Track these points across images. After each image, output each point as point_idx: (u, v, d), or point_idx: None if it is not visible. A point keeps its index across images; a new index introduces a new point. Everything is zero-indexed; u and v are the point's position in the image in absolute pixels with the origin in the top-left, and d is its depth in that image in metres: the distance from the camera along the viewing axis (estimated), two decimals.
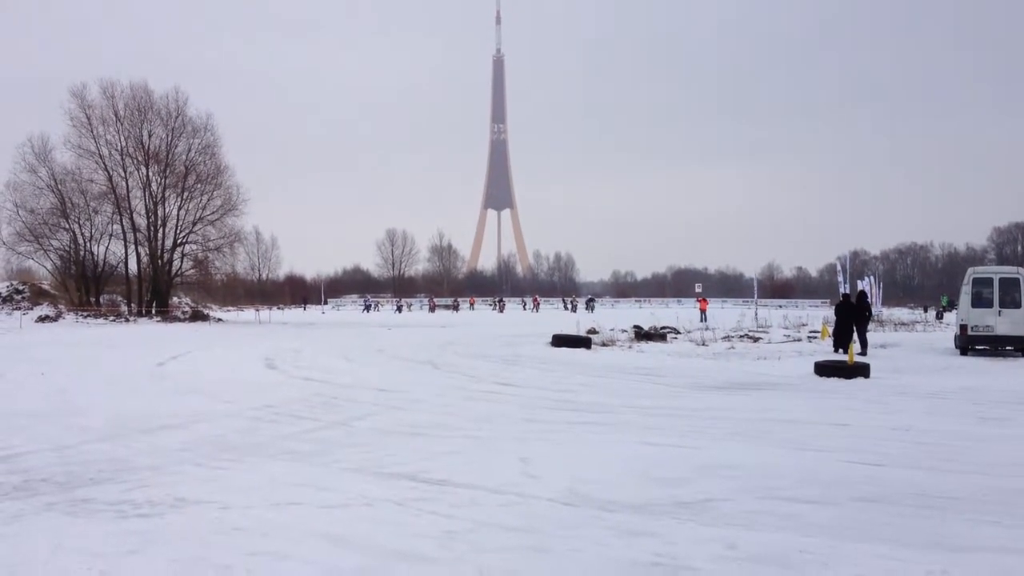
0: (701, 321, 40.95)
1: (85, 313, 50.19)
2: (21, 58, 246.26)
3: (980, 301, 21.82)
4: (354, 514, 6.28)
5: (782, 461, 8.26)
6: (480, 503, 6.58)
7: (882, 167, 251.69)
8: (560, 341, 24.76)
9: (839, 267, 38.45)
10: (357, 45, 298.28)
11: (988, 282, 21.95)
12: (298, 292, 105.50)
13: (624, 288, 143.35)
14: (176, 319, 51.53)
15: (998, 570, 5.00)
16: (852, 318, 22.48)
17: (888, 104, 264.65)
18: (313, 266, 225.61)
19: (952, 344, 24.02)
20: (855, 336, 22.11)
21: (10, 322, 44.03)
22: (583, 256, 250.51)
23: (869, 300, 27.93)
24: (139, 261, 55.93)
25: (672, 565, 5.08)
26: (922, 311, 64.03)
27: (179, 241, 56.01)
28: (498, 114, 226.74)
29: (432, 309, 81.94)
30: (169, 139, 55.67)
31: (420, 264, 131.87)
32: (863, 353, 21.43)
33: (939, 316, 53.26)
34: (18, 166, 52.58)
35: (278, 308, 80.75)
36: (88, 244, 54.93)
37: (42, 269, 57.38)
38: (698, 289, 67.09)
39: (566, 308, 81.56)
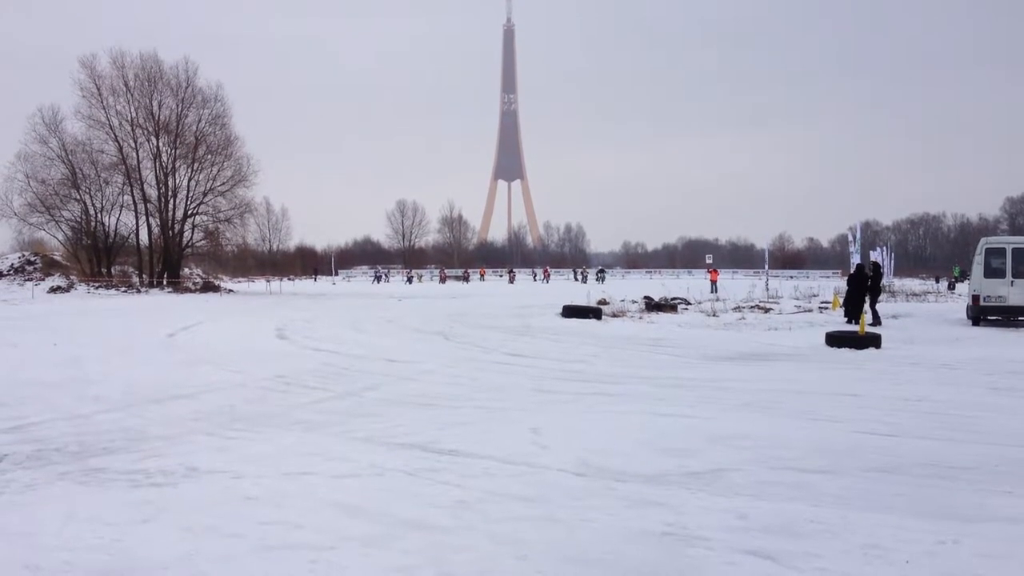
0: (712, 292, 40.84)
1: (97, 284, 50.43)
2: (29, 27, 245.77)
3: (992, 271, 21.65)
4: (365, 484, 6.30)
5: (793, 431, 8.24)
6: (491, 473, 6.60)
7: (894, 137, 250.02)
8: (570, 312, 24.73)
9: (851, 237, 38.26)
10: (365, 13, 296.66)
11: (1001, 252, 21.77)
12: (309, 263, 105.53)
13: (634, 259, 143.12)
14: (187, 290, 51.74)
15: (1009, 540, 4.98)
16: (865, 289, 22.37)
17: (900, 73, 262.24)
18: (323, 237, 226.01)
19: (964, 315, 23.90)
20: (867, 307, 22.00)
21: (22, 293, 44.29)
22: (593, 227, 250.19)
23: (881, 270, 27.79)
24: (150, 232, 56.11)
25: (683, 535, 5.08)
26: (934, 281, 63.74)
27: (190, 212, 56.07)
28: (508, 84, 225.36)
29: (443, 280, 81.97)
30: (179, 110, 55.56)
31: (430, 235, 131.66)
32: (875, 324, 21.34)
33: (951, 287, 53.01)
34: (29, 137, 52.63)
35: (289, 279, 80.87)
36: (99, 215, 55.11)
37: (53, 240, 57.60)
38: (708, 260, 66.84)
39: (576, 279, 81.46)
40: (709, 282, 49.14)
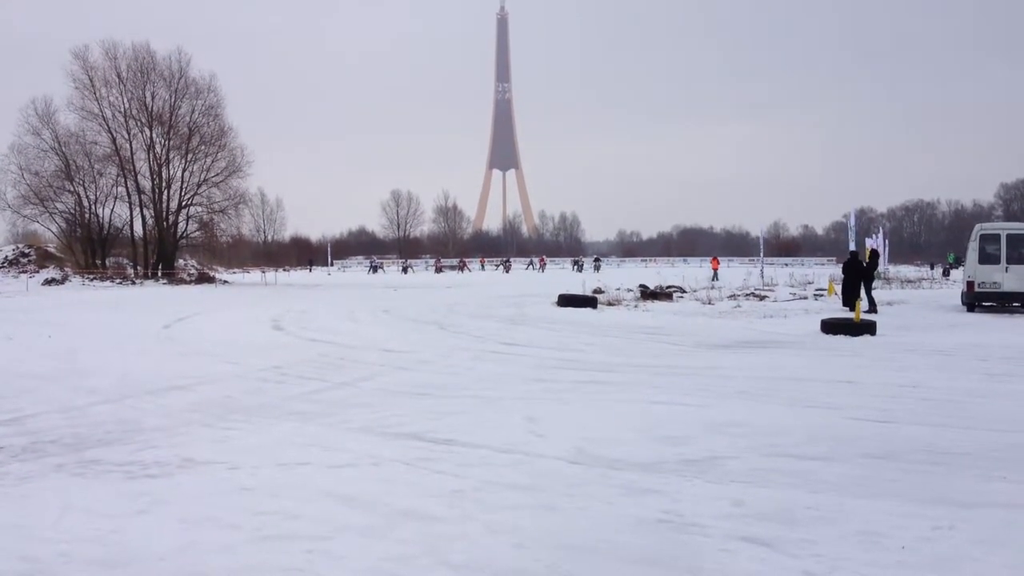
0: (715, 280, 40.86)
1: (91, 276, 50.34)
2: (23, 17, 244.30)
3: (987, 257, 21.69)
4: (362, 474, 6.30)
5: (789, 418, 8.25)
6: (487, 462, 6.60)
7: (889, 124, 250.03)
8: (566, 301, 24.70)
9: (850, 224, 38.28)
10: (357, 2, 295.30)
11: (995, 238, 21.81)
12: (304, 254, 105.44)
13: (630, 248, 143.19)
14: (182, 281, 51.65)
15: (1005, 525, 5.00)
16: (860, 275, 22.41)
17: (894, 60, 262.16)
18: (318, 228, 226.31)
19: (959, 301, 23.95)
20: (862, 293, 22.03)
21: (16, 285, 44.17)
22: (588, 216, 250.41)
23: (878, 257, 27.86)
24: (144, 223, 56.02)
25: (679, 522, 5.08)
26: (929, 268, 63.85)
27: (184, 203, 55.95)
28: (502, 73, 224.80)
29: (438, 270, 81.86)
30: (172, 100, 55.47)
31: (425, 225, 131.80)
32: (872, 311, 21.40)
33: (946, 273, 53.12)
34: (22, 128, 52.53)
35: (284, 270, 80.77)
36: (93, 207, 55.02)
37: (48, 232, 57.59)
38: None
39: (573, 268, 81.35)
40: (711, 270, 49.19)
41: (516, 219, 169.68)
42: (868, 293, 22.40)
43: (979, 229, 22.52)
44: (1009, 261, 21.41)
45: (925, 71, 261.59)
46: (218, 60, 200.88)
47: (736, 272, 54.15)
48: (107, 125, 53.98)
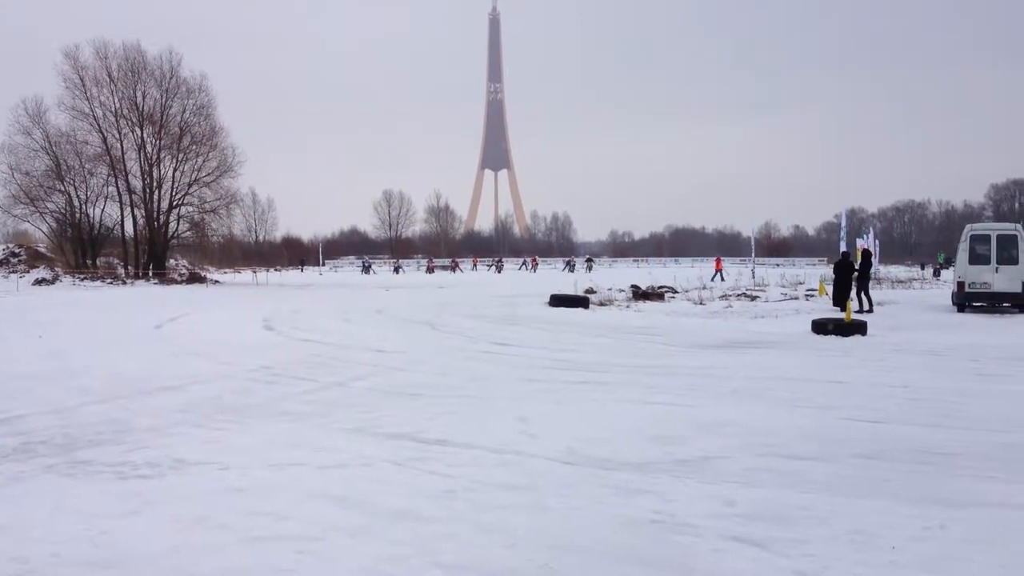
0: (720, 280, 40.94)
1: (82, 276, 50.08)
2: (16, 16, 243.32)
3: (977, 258, 21.78)
4: (353, 474, 6.29)
5: (780, 418, 8.27)
6: (479, 462, 6.59)
7: (880, 125, 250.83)
8: (558, 301, 24.71)
9: (841, 224, 38.44)
10: (351, 2, 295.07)
11: (985, 239, 21.90)
12: (295, 254, 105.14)
13: (622, 248, 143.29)
14: (173, 281, 51.46)
15: (996, 524, 5.02)
16: (851, 276, 22.47)
17: (886, 63, 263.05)
18: (310, 228, 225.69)
19: (949, 301, 24.03)
20: (852, 294, 22.10)
21: (7, 285, 43.93)
22: (580, 216, 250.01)
23: (871, 258, 27.97)
24: (135, 223, 55.71)
25: (671, 523, 5.09)
26: (919, 268, 64.04)
27: (175, 203, 55.74)
28: (494, 74, 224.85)
29: (430, 270, 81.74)
30: (163, 100, 55.22)
31: (417, 225, 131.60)
32: (870, 310, 21.52)
33: (936, 273, 53.26)
34: (12, 128, 52.22)
35: (275, 270, 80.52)
36: (84, 206, 54.72)
37: (38, 232, 57.25)
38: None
39: (565, 268, 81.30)
40: (714, 270, 49.16)
41: (508, 219, 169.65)
42: (866, 293, 22.49)
43: (969, 230, 22.61)
44: (999, 262, 21.50)
45: (918, 72, 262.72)
46: (212, 60, 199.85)
47: (728, 272, 54.17)
48: (98, 125, 53.80)
